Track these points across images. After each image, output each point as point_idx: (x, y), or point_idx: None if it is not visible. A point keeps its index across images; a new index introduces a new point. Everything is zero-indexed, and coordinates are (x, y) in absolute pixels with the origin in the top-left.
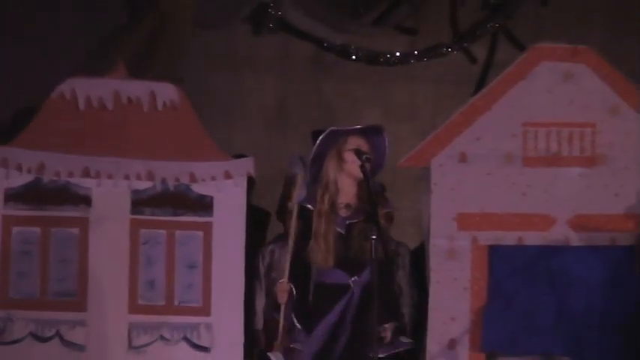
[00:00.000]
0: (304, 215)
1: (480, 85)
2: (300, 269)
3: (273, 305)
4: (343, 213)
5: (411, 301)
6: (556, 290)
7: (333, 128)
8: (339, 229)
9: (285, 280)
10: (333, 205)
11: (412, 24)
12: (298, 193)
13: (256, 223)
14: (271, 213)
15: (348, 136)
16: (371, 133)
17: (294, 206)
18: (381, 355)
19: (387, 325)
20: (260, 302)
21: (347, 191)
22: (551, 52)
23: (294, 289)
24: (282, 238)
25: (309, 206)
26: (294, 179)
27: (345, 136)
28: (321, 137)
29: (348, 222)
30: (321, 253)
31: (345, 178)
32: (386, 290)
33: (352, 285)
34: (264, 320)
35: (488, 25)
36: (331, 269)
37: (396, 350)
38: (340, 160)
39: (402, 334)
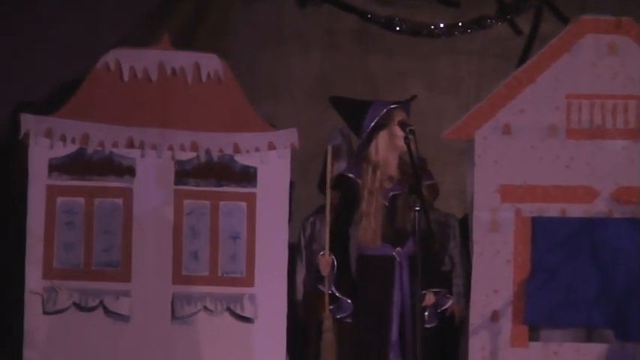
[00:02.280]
0: (348, 186)
1: (524, 57)
2: (340, 240)
3: (316, 277)
4: (386, 185)
5: (464, 271)
6: (599, 263)
7: (378, 102)
8: (384, 202)
9: (326, 252)
10: (381, 182)
11: None
12: (339, 165)
13: None
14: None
15: (394, 111)
16: (409, 105)
17: (327, 177)
18: (427, 325)
19: (425, 292)
20: (300, 274)
21: (391, 164)
22: (595, 25)
23: (335, 260)
24: (324, 209)
25: (352, 176)
26: (335, 151)
27: (392, 111)
28: (379, 114)
29: (391, 194)
30: (372, 231)
31: (391, 152)
32: (430, 260)
33: (397, 256)
34: (304, 292)
35: None
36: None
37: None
38: (392, 135)
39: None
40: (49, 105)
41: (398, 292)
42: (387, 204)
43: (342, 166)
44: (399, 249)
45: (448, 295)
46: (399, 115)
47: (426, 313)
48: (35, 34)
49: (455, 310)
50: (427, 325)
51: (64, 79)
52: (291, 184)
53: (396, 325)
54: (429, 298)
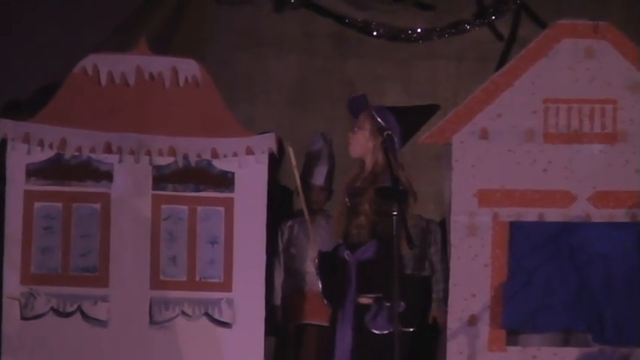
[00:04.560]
0: None
1: (503, 62)
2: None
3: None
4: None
5: (445, 277)
6: (577, 267)
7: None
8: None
9: (315, 248)
10: (352, 182)
11: (433, 0)
12: (320, 169)
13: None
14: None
15: (361, 115)
16: (378, 111)
17: (296, 176)
18: (377, 331)
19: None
20: (279, 278)
21: (366, 164)
22: (573, 29)
23: (316, 258)
24: (302, 213)
25: None
26: (316, 155)
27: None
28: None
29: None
30: (336, 234)
31: (367, 154)
32: (386, 266)
33: (347, 259)
34: (283, 296)
35: (510, 2)
36: (342, 243)
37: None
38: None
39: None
40: (27, 110)
41: (349, 296)
42: (348, 204)
43: (322, 170)
44: (347, 252)
45: (402, 302)
46: (365, 121)
47: (371, 319)
48: (15, 39)
49: (437, 315)
50: (376, 331)
51: (41, 84)
52: (291, 192)
53: (348, 329)
54: (362, 301)
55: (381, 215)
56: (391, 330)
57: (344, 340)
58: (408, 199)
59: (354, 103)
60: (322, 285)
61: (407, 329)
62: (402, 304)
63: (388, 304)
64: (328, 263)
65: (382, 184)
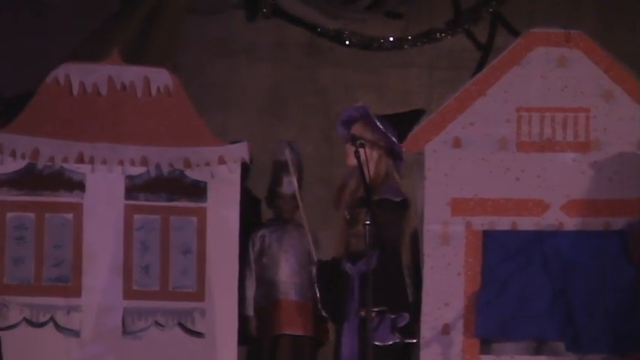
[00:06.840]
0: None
1: (479, 70)
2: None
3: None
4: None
5: (416, 284)
6: (550, 275)
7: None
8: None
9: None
10: (349, 195)
11: (405, 9)
12: (290, 179)
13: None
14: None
15: (352, 125)
16: (378, 118)
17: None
18: (379, 343)
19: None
20: (251, 289)
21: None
22: (545, 38)
23: (313, 269)
24: (272, 223)
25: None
26: (284, 165)
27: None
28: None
29: (350, 208)
30: (337, 246)
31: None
32: (388, 278)
33: (350, 272)
34: (255, 307)
35: (482, 10)
36: (343, 255)
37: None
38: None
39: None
40: (7, 115)
41: (352, 309)
42: (347, 217)
43: (292, 179)
44: (349, 264)
45: (404, 314)
46: (356, 130)
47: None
48: None
49: None
50: (378, 343)
51: (13, 94)
52: (258, 201)
53: (354, 342)
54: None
55: (381, 225)
56: (395, 341)
57: (351, 354)
58: (406, 210)
59: (353, 113)
60: (320, 297)
61: (410, 340)
62: (407, 315)
63: (392, 317)
64: (328, 274)
65: (382, 194)
